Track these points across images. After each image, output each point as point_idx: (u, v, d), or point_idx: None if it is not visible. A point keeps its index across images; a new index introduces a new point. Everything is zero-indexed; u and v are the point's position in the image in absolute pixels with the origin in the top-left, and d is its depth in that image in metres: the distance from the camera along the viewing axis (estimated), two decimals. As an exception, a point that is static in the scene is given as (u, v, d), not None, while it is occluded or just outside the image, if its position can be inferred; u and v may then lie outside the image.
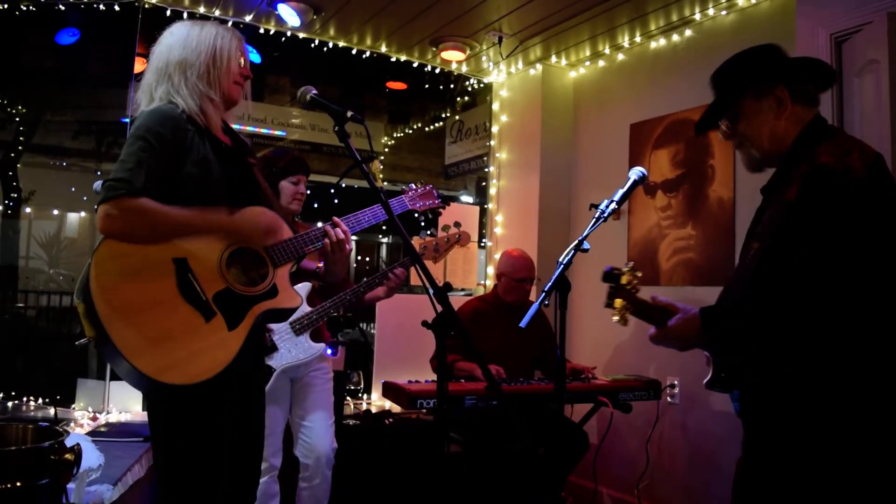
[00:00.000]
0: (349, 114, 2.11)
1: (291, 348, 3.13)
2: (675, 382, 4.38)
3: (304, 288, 3.10)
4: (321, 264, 2.44)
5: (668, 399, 4.39)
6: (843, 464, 1.75)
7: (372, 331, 5.43)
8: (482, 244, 5.72)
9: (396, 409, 4.75)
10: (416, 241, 3.23)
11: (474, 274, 5.64)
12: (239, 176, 2.15)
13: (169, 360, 1.84)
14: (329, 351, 3.33)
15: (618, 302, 2.01)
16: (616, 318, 2.03)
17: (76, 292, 1.90)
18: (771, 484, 1.86)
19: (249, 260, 2.07)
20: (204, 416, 1.97)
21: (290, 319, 3.09)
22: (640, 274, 2.05)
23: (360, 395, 5.16)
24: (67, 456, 1.90)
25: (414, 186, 2.69)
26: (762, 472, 1.89)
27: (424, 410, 3.51)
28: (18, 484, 1.81)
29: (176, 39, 2.13)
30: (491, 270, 5.64)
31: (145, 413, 4.20)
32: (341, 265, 2.36)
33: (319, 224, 2.33)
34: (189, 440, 1.97)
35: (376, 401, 5.11)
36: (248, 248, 2.07)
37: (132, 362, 1.79)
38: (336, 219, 2.31)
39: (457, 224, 3.25)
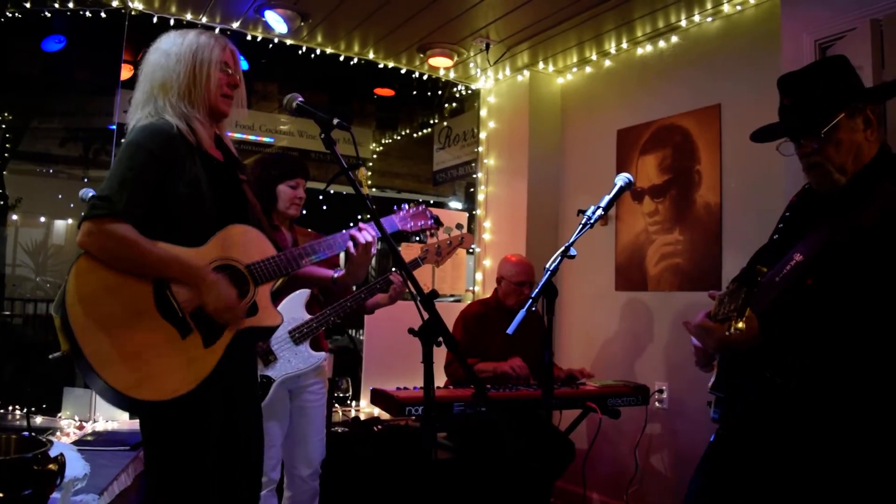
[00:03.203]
0: (335, 121, 2.10)
1: (291, 358, 3.06)
2: (664, 388, 4.39)
3: (302, 295, 3.06)
4: (335, 273, 2.46)
5: (657, 404, 4.40)
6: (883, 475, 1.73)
7: (361, 337, 5.42)
8: (471, 250, 5.73)
9: (385, 416, 4.74)
10: (417, 247, 3.21)
11: (463, 280, 5.64)
12: (228, 193, 2.14)
13: (139, 375, 1.83)
14: None
15: (748, 311, 1.71)
16: (740, 331, 1.71)
17: (54, 305, 1.89)
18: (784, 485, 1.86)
19: (231, 278, 2.05)
20: (186, 431, 1.95)
21: (290, 328, 3.05)
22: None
23: (348, 402, 5.14)
24: (51, 466, 1.88)
25: (406, 207, 2.67)
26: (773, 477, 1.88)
27: (413, 417, 3.50)
28: (1, 495, 1.79)
29: (157, 58, 2.11)
30: (480, 276, 5.65)
31: (132, 422, 4.21)
32: (364, 269, 2.41)
33: (344, 231, 2.37)
34: (174, 454, 1.95)
35: (365, 408, 5.10)
36: (230, 265, 2.06)
37: (103, 377, 1.78)
38: (362, 224, 2.36)
39: (458, 226, 3.22)
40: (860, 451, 1.75)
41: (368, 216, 2.22)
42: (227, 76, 2.16)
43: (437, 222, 2.72)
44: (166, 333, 1.90)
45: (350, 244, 2.34)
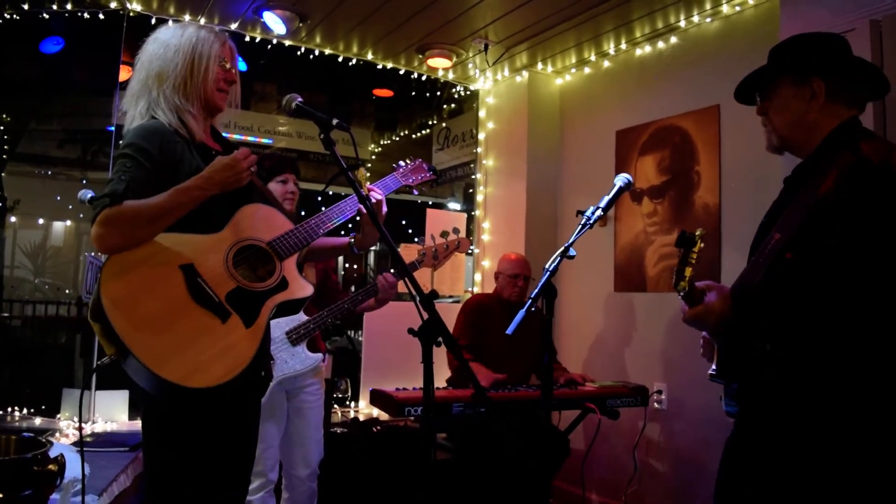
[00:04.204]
0: (335, 121, 2.10)
1: (288, 359, 3.07)
2: (662, 389, 4.39)
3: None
4: (351, 238, 2.51)
5: (656, 405, 4.39)
6: (852, 466, 1.73)
7: (359, 338, 5.42)
8: (469, 251, 5.73)
9: (384, 416, 4.74)
10: (415, 249, 3.22)
11: (462, 281, 5.65)
12: None
13: (193, 365, 1.84)
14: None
15: (688, 271, 1.95)
16: (683, 290, 1.95)
17: (90, 313, 1.90)
18: (768, 480, 1.86)
19: (255, 257, 2.08)
20: (213, 417, 1.98)
21: (287, 329, 3.06)
22: (703, 245, 2.00)
23: (347, 402, 5.14)
24: (51, 467, 1.88)
25: (403, 163, 2.68)
26: (760, 468, 1.88)
27: (412, 418, 3.50)
28: (1, 496, 1.79)
29: (156, 48, 2.11)
30: (478, 277, 5.65)
31: (131, 423, 4.21)
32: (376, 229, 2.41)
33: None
34: (192, 442, 1.97)
35: (364, 408, 5.10)
36: (252, 245, 2.08)
37: (157, 373, 1.79)
38: (369, 185, 2.39)
39: (455, 230, 3.22)
40: (832, 437, 1.76)
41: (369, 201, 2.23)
42: (225, 72, 2.16)
43: (436, 172, 2.73)
44: (207, 321, 1.91)
45: (361, 206, 2.33)
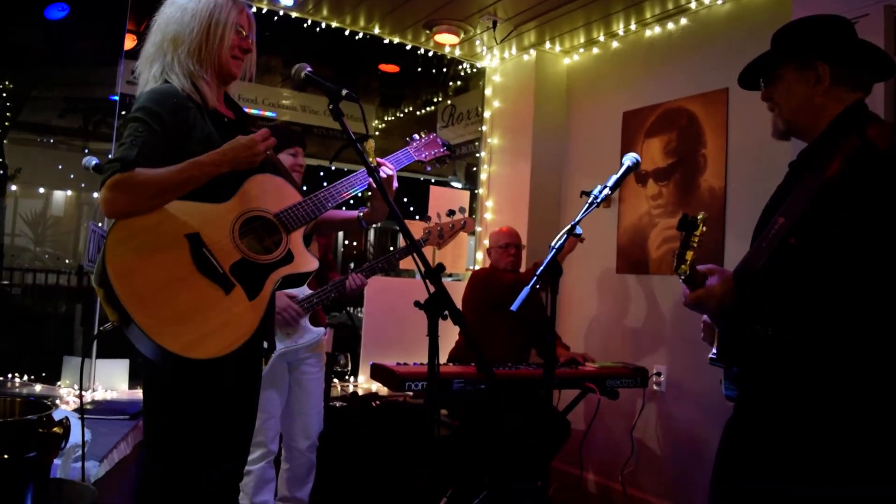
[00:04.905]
0: (344, 92, 2.09)
1: (291, 332, 3.09)
2: (662, 371, 4.40)
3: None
4: (360, 212, 2.49)
5: (654, 387, 4.41)
6: (854, 449, 1.74)
7: (359, 314, 5.43)
8: (472, 231, 5.72)
9: (383, 391, 4.76)
10: (420, 226, 3.21)
11: (464, 259, 5.64)
12: None
13: (194, 335, 1.84)
14: None
15: (689, 254, 1.91)
16: (684, 274, 1.92)
17: (94, 279, 1.89)
18: (768, 461, 1.86)
19: (262, 228, 2.07)
20: (214, 387, 1.98)
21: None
22: (705, 229, 1.97)
23: (346, 377, 5.16)
24: (56, 429, 1.89)
25: (417, 137, 2.66)
26: (761, 450, 1.88)
27: (412, 393, 3.51)
28: (6, 457, 1.79)
29: (173, 12, 2.09)
30: (480, 256, 5.65)
31: (132, 392, 4.22)
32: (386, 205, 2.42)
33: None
34: (194, 412, 1.97)
35: (363, 383, 5.12)
36: (259, 216, 2.07)
37: (158, 342, 1.79)
38: (380, 160, 2.37)
39: (461, 209, 3.21)
40: (830, 414, 1.76)
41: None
42: (241, 39, 2.14)
43: (450, 148, 2.70)
44: (211, 292, 1.91)
45: (370, 180, 2.32)
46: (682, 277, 1.92)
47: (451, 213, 3.18)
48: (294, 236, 2.11)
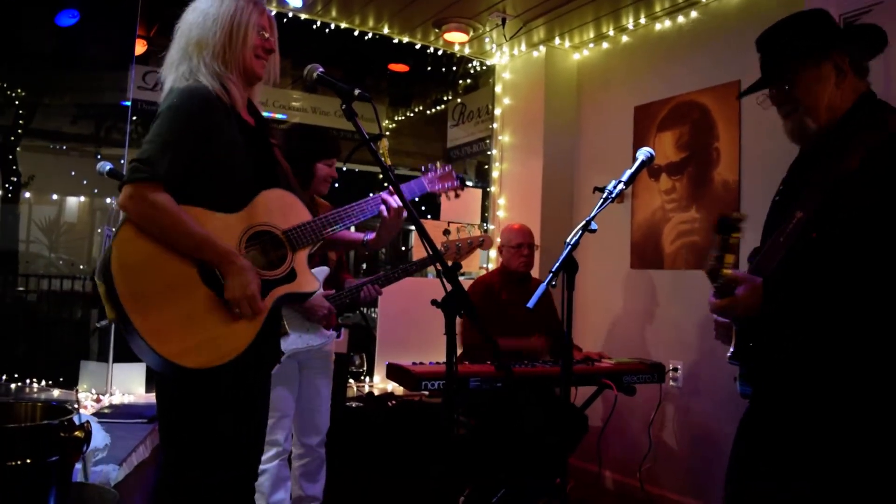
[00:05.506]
0: (356, 92, 2.10)
1: (303, 333, 3.10)
2: (679, 366, 4.38)
3: (320, 273, 3.08)
4: (365, 237, 2.52)
5: (672, 382, 4.39)
6: (875, 446, 1.71)
7: (374, 315, 5.43)
8: (484, 228, 5.71)
9: (399, 391, 4.76)
10: (430, 225, 3.22)
11: (477, 258, 5.63)
12: (262, 158, 2.14)
13: (187, 343, 1.85)
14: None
15: (729, 258, 1.82)
16: (721, 281, 1.82)
17: (97, 272, 1.90)
18: (785, 458, 1.84)
19: (268, 242, 2.07)
20: (214, 398, 1.96)
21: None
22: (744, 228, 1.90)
23: (361, 377, 5.16)
24: (77, 433, 1.89)
25: (434, 168, 2.67)
26: (778, 446, 1.87)
27: (427, 393, 3.50)
28: (28, 461, 1.80)
29: (195, 17, 2.10)
30: (493, 254, 5.63)
31: (149, 395, 4.23)
32: (394, 233, 2.49)
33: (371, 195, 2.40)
34: (196, 422, 1.97)
35: (378, 383, 5.12)
36: (267, 231, 2.07)
37: (151, 345, 1.80)
38: (391, 188, 2.36)
39: (482, 227, 3.22)
40: (857, 423, 1.74)
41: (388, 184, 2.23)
42: (264, 40, 2.14)
43: (463, 183, 2.72)
44: (211, 301, 1.92)
45: (382, 208, 2.36)
46: (717, 284, 1.85)
47: (470, 228, 3.19)
48: (299, 255, 2.12)
